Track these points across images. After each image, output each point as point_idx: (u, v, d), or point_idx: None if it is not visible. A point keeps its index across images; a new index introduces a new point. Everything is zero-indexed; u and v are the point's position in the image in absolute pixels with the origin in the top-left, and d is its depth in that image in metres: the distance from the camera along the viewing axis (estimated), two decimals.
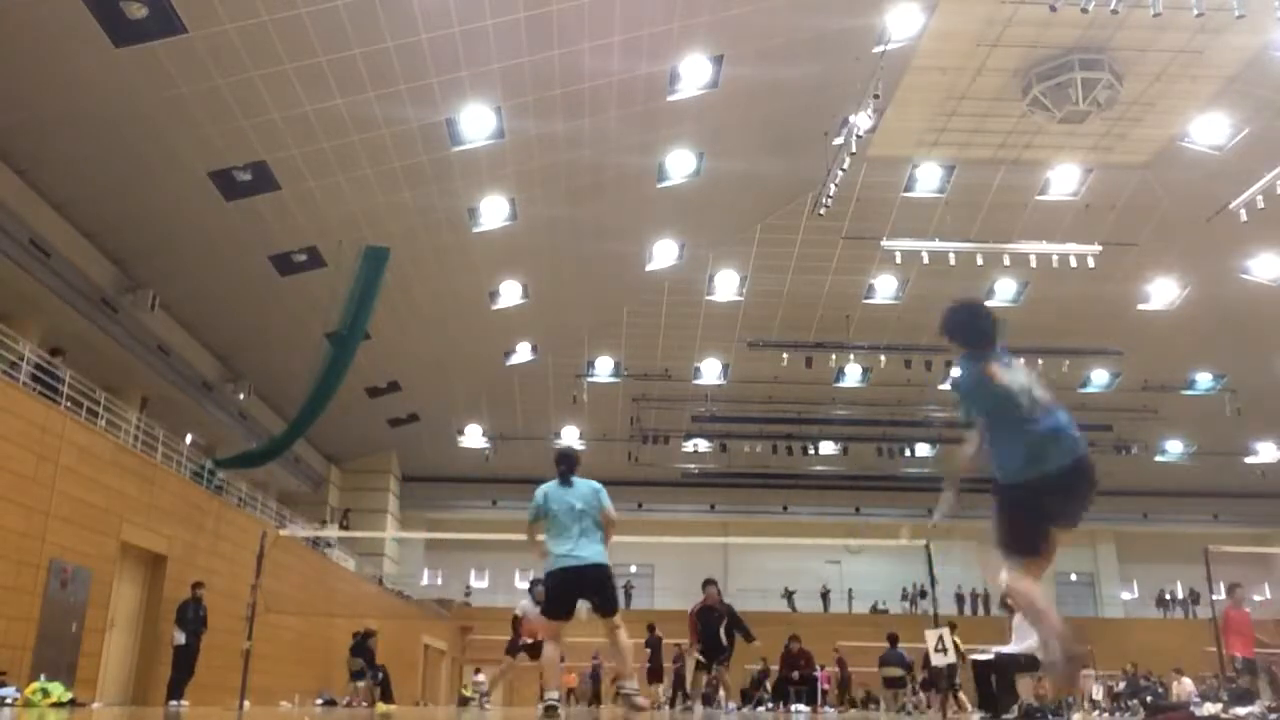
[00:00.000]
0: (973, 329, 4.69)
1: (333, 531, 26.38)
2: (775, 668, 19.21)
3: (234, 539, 16.73)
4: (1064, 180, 26.06)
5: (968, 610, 35.03)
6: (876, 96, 19.43)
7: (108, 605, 13.26)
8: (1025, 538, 4.30)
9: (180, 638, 13.75)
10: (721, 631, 12.40)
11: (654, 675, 18.93)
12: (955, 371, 4.72)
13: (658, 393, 32.20)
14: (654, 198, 23.59)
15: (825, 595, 35.41)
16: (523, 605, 12.69)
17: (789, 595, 34.91)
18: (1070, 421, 4.42)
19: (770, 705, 18.56)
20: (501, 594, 35.49)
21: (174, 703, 13.42)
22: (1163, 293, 29.44)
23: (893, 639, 18.73)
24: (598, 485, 6.87)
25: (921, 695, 20.49)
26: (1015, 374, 4.54)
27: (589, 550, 6.61)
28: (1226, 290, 28.00)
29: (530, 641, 12.25)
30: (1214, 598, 13.51)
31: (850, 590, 35.82)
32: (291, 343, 22.32)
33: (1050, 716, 9.37)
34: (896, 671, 18.65)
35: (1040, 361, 28.87)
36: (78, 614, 12.32)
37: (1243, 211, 22.39)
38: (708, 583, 12.92)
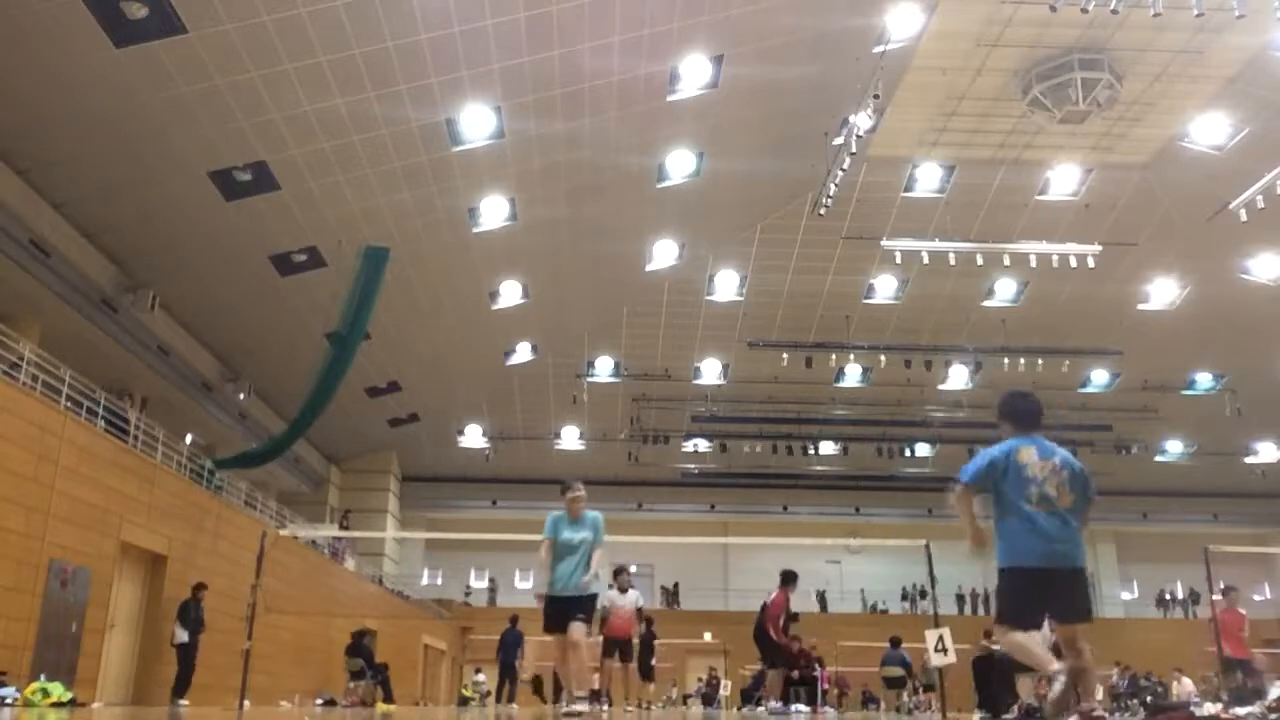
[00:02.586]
0: (1024, 412, 5.11)
1: (332, 531, 26.36)
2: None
3: (234, 539, 16.73)
4: (1064, 180, 26.04)
5: (968, 610, 35.03)
6: (876, 96, 19.41)
7: (108, 605, 13.25)
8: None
9: (183, 635, 13.74)
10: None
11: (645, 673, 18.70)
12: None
13: (658, 393, 32.19)
14: (654, 198, 23.58)
15: (822, 596, 35.42)
16: (610, 595, 12.42)
17: (821, 596, 35.15)
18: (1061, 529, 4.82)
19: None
20: (501, 594, 35.52)
21: (181, 702, 13.40)
22: (1163, 293, 29.44)
23: (895, 640, 18.79)
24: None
25: (923, 696, 20.51)
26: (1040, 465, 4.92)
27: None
28: (1226, 290, 27.99)
29: (615, 638, 12.14)
30: (1214, 598, 13.51)
31: (862, 590, 35.82)
32: (291, 343, 22.31)
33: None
34: (897, 671, 18.73)
35: (1040, 361, 28.91)
36: (78, 614, 12.31)
37: (1243, 211, 22.37)
38: (790, 577, 12.42)
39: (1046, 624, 9.93)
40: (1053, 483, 4.82)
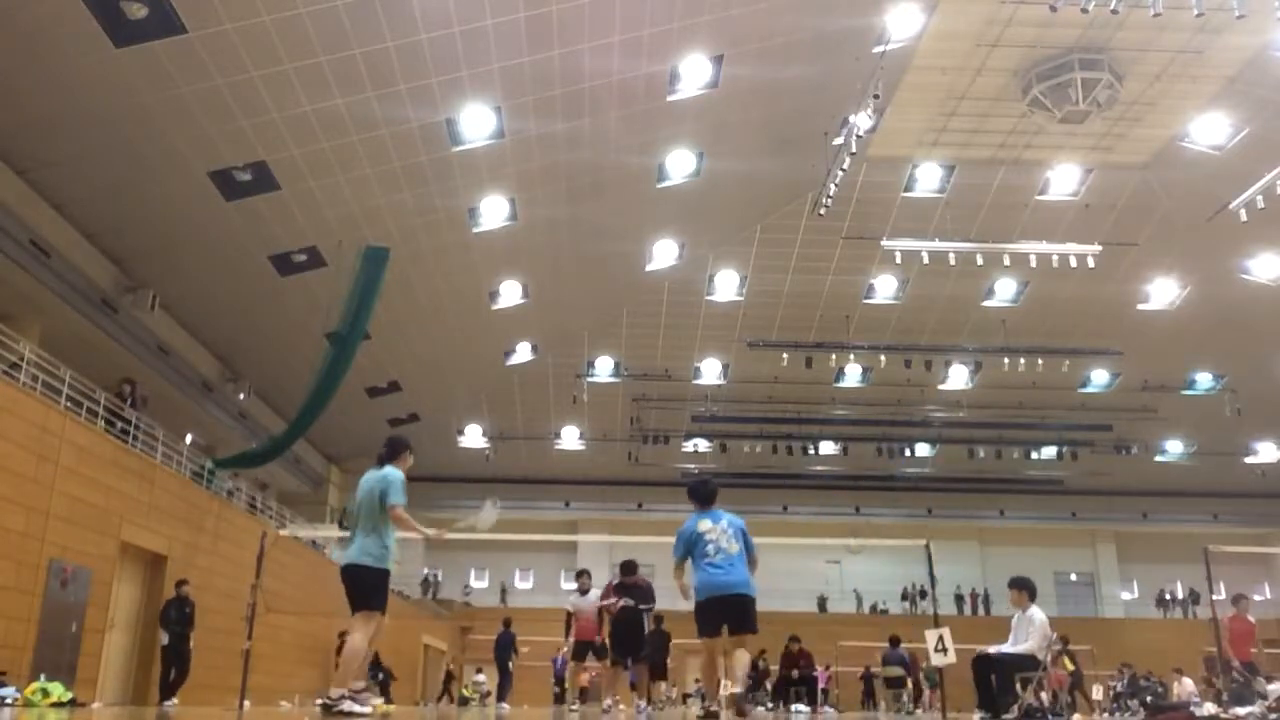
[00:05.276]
0: (704, 495, 7.50)
1: (333, 531, 26.32)
2: (775, 667, 19.22)
3: (234, 539, 16.73)
4: (1064, 180, 26.04)
5: (967, 610, 35.05)
6: (876, 96, 19.41)
7: (108, 605, 13.26)
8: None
9: (164, 638, 13.71)
10: (646, 620, 11.47)
11: (657, 673, 18.56)
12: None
13: (658, 393, 32.18)
14: (654, 198, 23.58)
15: (822, 600, 35.49)
16: (573, 600, 12.33)
17: (822, 602, 35.24)
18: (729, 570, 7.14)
19: (770, 705, 18.56)
20: (504, 595, 35.54)
21: (166, 703, 13.37)
22: (1163, 293, 29.43)
23: (894, 640, 18.81)
24: (385, 473, 6.96)
25: (924, 695, 20.53)
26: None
27: (351, 550, 6.68)
28: (1226, 290, 27.99)
29: (585, 640, 11.97)
30: (1214, 598, 13.50)
31: (856, 591, 35.84)
32: (291, 343, 22.31)
33: (1050, 716, 9.36)
34: (897, 671, 18.74)
35: (1040, 361, 28.89)
36: (78, 614, 12.32)
37: (1243, 211, 22.38)
38: (627, 565, 11.88)
39: (1046, 626, 9.94)
40: (723, 539, 7.21)
